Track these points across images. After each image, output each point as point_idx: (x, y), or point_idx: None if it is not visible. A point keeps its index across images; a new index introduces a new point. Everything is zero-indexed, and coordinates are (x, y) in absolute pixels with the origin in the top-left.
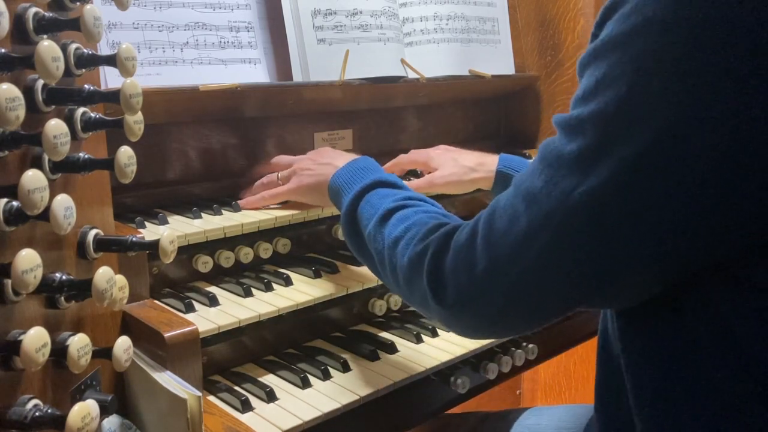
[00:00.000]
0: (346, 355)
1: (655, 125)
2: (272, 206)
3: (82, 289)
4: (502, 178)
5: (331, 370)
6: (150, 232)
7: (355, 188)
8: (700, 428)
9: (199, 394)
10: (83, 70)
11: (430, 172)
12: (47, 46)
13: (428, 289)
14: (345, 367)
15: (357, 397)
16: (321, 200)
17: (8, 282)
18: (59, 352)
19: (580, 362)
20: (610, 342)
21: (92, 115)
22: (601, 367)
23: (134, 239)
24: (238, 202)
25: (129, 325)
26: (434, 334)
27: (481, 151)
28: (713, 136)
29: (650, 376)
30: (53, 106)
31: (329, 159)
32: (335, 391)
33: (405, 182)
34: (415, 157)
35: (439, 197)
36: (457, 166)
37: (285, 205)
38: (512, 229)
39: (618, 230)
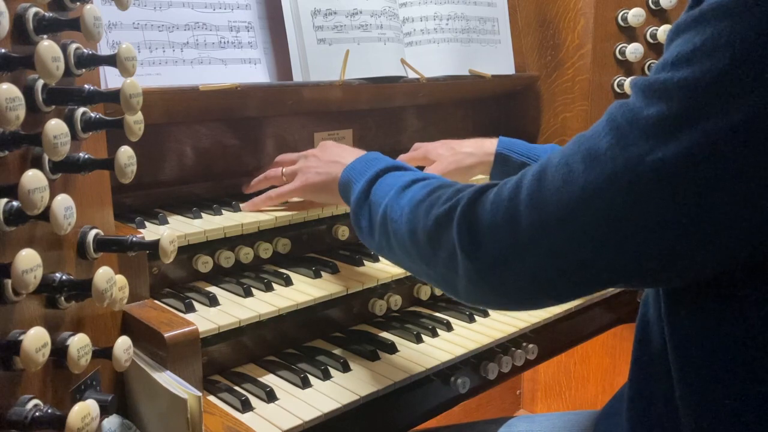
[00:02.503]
0: (346, 355)
1: (753, 103)
2: (272, 206)
3: (82, 289)
4: (501, 161)
5: (331, 370)
6: (150, 232)
7: (368, 174)
8: (751, 415)
9: (199, 394)
10: (83, 70)
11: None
12: (47, 46)
13: (458, 244)
14: (345, 367)
15: (357, 397)
16: (329, 198)
17: (8, 282)
18: (59, 352)
19: (580, 362)
20: (650, 333)
21: (92, 115)
22: (638, 364)
23: (134, 239)
24: (242, 205)
25: (129, 325)
26: (434, 335)
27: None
28: None
29: (700, 361)
30: (53, 106)
31: (336, 156)
32: (335, 391)
33: None
34: (413, 154)
35: None
36: (454, 154)
37: (285, 205)
38: (566, 188)
39: (689, 204)
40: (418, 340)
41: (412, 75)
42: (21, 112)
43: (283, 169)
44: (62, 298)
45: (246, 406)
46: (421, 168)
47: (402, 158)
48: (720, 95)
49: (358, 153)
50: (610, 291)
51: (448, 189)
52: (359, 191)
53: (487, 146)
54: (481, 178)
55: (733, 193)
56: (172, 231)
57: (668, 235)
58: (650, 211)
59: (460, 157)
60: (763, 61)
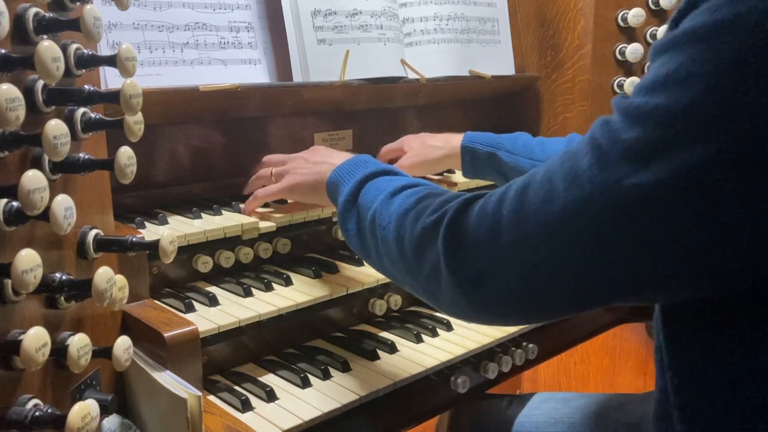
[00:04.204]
0: (346, 355)
1: (731, 132)
2: (272, 206)
3: (82, 289)
4: (468, 153)
5: (331, 370)
6: (150, 232)
7: (357, 176)
8: None
9: (199, 393)
10: (83, 70)
11: None
12: (47, 47)
13: (443, 257)
14: (345, 367)
15: (357, 397)
16: (316, 198)
17: (8, 282)
18: (59, 352)
19: (580, 362)
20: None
21: (92, 115)
22: (658, 388)
23: (134, 239)
24: (241, 206)
25: (129, 325)
26: (434, 334)
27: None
28: None
29: (701, 391)
30: (53, 107)
31: (325, 157)
32: (335, 391)
33: None
34: (391, 146)
35: None
36: (423, 147)
37: (286, 205)
38: (546, 207)
39: (664, 232)
40: (418, 339)
41: (412, 75)
42: (21, 113)
43: (273, 170)
44: (62, 298)
45: (246, 406)
46: (397, 159)
47: (382, 153)
48: (694, 124)
49: (348, 156)
50: None
51: (436, 199)
52: (347, 193)
53: (454, 141)
54: (457, 184)
55: (711, 222)
56: (172, 231)
57: (642, 259)
58: (623, 236)
59: (427, 151)
60: (736, 90)
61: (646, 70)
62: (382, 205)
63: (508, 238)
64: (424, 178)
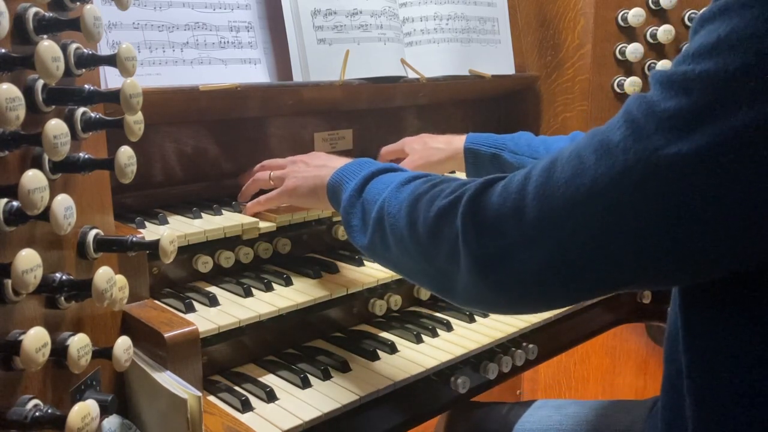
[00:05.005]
0: (346, 356)
1: None
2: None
3: (82, 289)
4: (470, 156)
5: (331, 370)
6: (150, 232)
7: (362, 174)
8: None
9: (199, 394)
10: (83, 70)
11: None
12: (47, 46)
13: (461, 236)
14: (345, 367)
15: (357, 397)
16: (315, 203)
17: (8, 282)
18: (59, 352)
19: (580, 362)
20: (677, 351)
21: (92, 115)
22: (668, 380)
23: (134, 239)
24: (241, 207)
25: (129, 325)
26: (434, 335)
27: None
28: None
29: (717, 374)
30: (53, 106)
31: (325, 161)
32: (335, 391)
33: None
34: (391, 147)
35: None
36: (425, 149)
37: (283, 207)
38: (575, 181)
39: (707, 204)
40: (418, 340)
41: (412, 75)
42: (21, 112)
43: (271, 173)
44: (62, 298)
45: (246, 406)
46: (398, 161)
47: (383, 154)
48: (744, 89)
49: (348, 160)
50: None
51: (453, 182)
52: (352, 189)
53: (456, 142)
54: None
55: (756, 191)
56: (172, 231)
57: (680, 232)
58: (663, 207)
59: (429, 152)
60: None
61: (689, 43)
62: (391, 195)
63: (532, 214)
64: None
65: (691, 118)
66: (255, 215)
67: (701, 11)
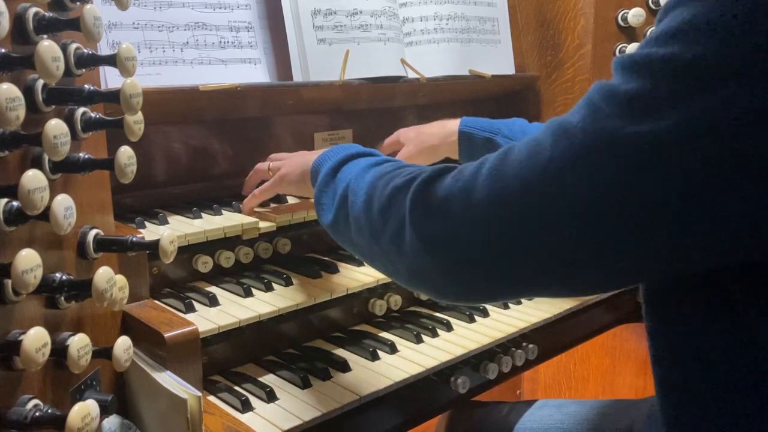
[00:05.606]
0: (346, 356)
1: (746, 84)
2: (272, 206)
3: (82, 289)
4: (465, 139)
5: (331, 370)
6: (150, 232)
7: (341, 155)
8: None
9: (199, 394)
10: (83, 70)
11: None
12: (47, 46)
13: (408, 214)
14: (345, 367)
15: (357, 397)
16: (305, 189)
17: (8, 282)
18: (59, 352)
19: (580, 362)
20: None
21: (92, 115)
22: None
23: (134, 239)
24: (241, 206)
25: (129, 325)
26: (434, 334)
27: None
28: None
29: (684, 373)
30: (53, 106)
31: (319, 151)
32: (335, 391)
33: None
34: (387, 141)
35: None
36: (419, 135)
37: (286, 205)
38: (530, 161)
39: (662, 187)
40: (418, 340)
41: (412, 75)
42: (21, 112)
43: (270, 164)
44: (62, 298)
45: (246, 406)
46: (395, 153)
47: (380, 149)
48: (706, 74)
49: None
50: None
51: (414, 167)
52: (328, 168)
53: (449, 126)
54: None
55: (714, 179)
56: (172, 231)
57: (633, 215)
58: (618, 187)
59: (423, 138)
60: (755, 42)
61: (653, 31)
62: (359, 175)
63: (482, 193)
64: None
65: (653, 100)
66: (253, 213)
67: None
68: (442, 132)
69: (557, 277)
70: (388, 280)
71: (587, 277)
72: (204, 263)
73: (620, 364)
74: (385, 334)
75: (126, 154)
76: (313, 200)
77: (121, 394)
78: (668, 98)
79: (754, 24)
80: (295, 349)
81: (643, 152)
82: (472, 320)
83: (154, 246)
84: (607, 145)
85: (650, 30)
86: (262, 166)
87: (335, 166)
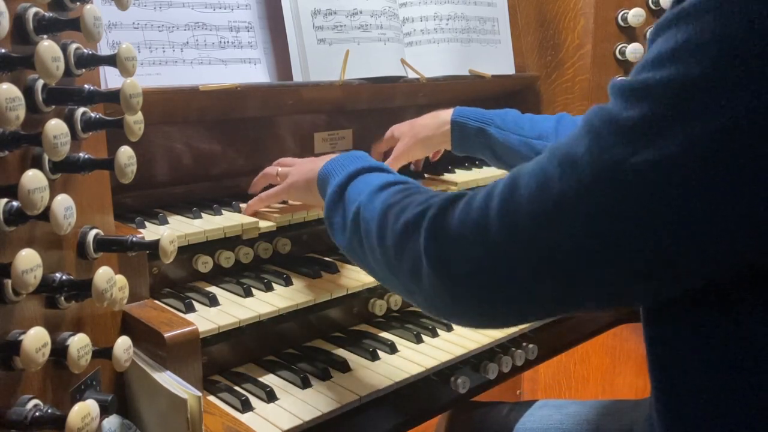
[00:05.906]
0: (346, 356)
1: (743, 103)
2: (272, 206)
3: (82, 289)
4: (457, 128)
5: (331, 370)
6: (150, 232)
7: (348, 169)
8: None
9: (199, 394)
10: (83, 70)
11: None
12: (47, 46)
13: (424, 253)
14: (345, 367)
15: (357, 397)
16: (312, 197)
17: (8, 282)
18: (59, 352)
19: (580, 362)
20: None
21: (92, 115)
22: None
23: (134, 239)
24: (241, 205)
25: (129, 325)
26: (434, 334)
27: None
28: None
29: (679, 377)
30: (53, 106)
31: (326, 158)
32: (335, 391)
33: None
34: (385, 137)
35: None
36: (413, 128)
37: (286, 206)
38: (541, 196)
39: (676, 208)
40: (418, 340)
41: (412, 75)
42: (21, 112)
43: (279, 169)
44: (62, 298)
45: (246, 406)
46: (391, 149)
47: (378, 146)
48: (705, 96)
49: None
50: None
51: (421, 195)
52: (336, 185)
53: (442, 116)
54: (457, 183)
55: (722, 196)
56: (172, 231)
57: (650, 242)
58: (633, 217)
59: (416, 131)
60: (751, 59)
61: (647, 52)
62: (368, 199)
63: (497, 229)
64: (423, 176)
65: (656, 125)
66: (255, 215)
67: (658, 20)
68: (435, 122)
69: (577, 306)
70: None
71: (605, 302)
72: (204, 263)
73: (620, 364)
74: (385, 334)
75: (126, 154)
76: (320, 209)
77: (121, 394)
78: (672, 121)
79: (745, 40)
80: (295, 349)
81: (652, 179)
82: None
83: (154, 246)
84: (618, 175)
85: (648, 30)
86: (270, 170)
87: (342, 183)
